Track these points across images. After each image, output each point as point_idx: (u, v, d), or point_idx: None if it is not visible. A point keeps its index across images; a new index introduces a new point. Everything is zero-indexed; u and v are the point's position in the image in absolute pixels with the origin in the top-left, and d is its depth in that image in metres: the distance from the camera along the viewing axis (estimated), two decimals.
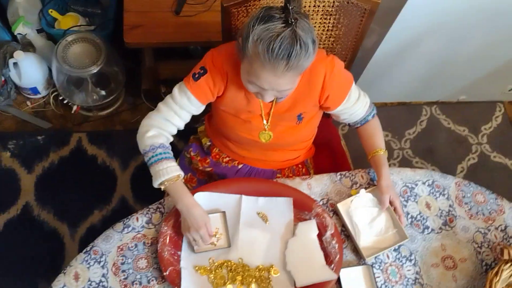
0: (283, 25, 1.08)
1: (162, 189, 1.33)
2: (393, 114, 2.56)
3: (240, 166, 1.57)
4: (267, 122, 1.40)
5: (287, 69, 1.11)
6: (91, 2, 2.43)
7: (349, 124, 1.52)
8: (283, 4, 1.11)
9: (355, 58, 1.62)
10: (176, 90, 1.35)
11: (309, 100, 1.35)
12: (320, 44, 1.55)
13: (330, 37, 1.52)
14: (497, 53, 2.25)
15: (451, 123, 2.57)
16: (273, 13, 1.09)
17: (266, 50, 1.08)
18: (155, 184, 1.32)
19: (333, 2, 1.40)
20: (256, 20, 1.09)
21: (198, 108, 1.37)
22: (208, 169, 1.59)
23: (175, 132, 1.40)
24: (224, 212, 1.38)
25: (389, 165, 2.33)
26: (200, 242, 1.29)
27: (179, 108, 1.35)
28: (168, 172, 1.30)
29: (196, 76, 1.31)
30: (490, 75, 2.40)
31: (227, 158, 1.58)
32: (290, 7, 1.07)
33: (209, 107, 1.45)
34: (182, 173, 1.33)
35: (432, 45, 2.11)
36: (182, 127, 1.41)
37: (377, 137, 1.48)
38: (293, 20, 1.07)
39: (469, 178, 2.37)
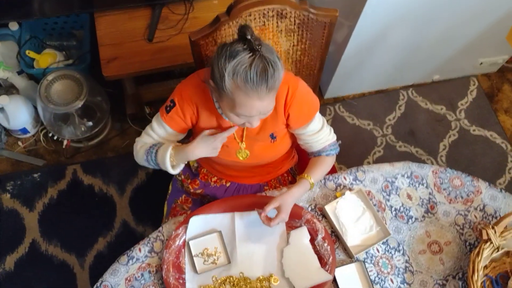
0: (250, 54, 1.17)
1: (175, 169, 1.45)
2: (373, 103, 2.64)
3: (228, 184, 1.66)
4: (242, 143, 1.49)
5: (268, 91, 1.21)
6: (65, 36, 2.49)
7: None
8: (237, 37, 1.20)
9: (324, 64, 1.70)
10: (154, 120, 1.47)
11: (276, 120, 1.43)
12: (288, 58, 1.63)
13: (296, 51, 1.60)
14: (464, 31, 2.33)
15: (428, 104, 2.66)
16: (236, 48, 1.18)
17: (245, 81, 1.17)
18: (171, 171, 1.44)
19: (294, 20, 1.47)
20: (224, 60, 1.18)
21: (177, 136, 1.49)
22: (199, 191, 1.68)
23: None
24: (220, 232, 1.47)
25: (374, 153, 2.45)
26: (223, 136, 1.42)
27: (158, 137, 1.47)
28: (164, 155, 1.41)
29: (168, 109, 1.43)
30: (460, 52, 2.48)
31: (215, 178, 1.67)
32: (248, 37, 1.17)
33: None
34: (172, 144, 1.43)
35: (401, 32, 2.19)
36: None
37: (318, 169, 1.51)
38: (257, 47, 1.17)
39: (451, 154, 2.50)
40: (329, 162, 1.55)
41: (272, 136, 1.48)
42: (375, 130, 2.57)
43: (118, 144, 2.45)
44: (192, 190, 1.69)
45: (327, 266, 1.41)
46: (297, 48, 1.59)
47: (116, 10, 2.11)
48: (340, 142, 1.55)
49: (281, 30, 1.51)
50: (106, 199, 2.33)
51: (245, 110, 1.25)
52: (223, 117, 1.39)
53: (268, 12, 1.44)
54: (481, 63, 2.65)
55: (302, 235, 1.47)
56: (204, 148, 1.41)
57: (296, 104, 1.40)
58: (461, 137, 2.57)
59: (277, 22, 1.48)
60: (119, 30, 2.07)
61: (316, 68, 1.68)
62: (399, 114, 2.62)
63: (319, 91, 2.63)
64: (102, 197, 2.33)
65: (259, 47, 1.17)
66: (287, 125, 1.47)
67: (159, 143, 1.46)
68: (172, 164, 1.43)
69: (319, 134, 1.48)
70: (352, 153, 2.51)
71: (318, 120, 1.47)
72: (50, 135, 2.37)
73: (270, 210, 1.42)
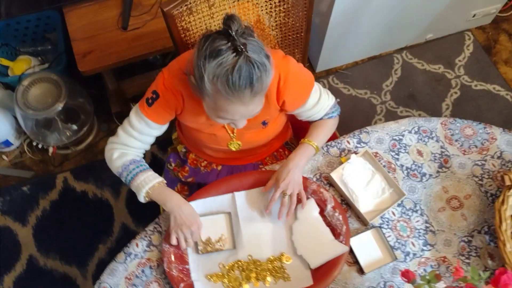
0: (234, 54, 1.01)
1: (146, 200, 1.33)
2: (367, 70, 2.53)
3: (219, 167, 1.54)
4: (233, 133, 1.37)
5: (253, 95, 1.06)
6: (39, 41, 2.37)
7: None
8: (222, 28, 1.05)
9: (310, 26, 1.58)
10: (133, 115, 1.30)
11: (268, 108, 1.29)
12: (271, 21, 1.51)
13: (280, 13, 1.49)
14: None
15: (425, 64, 2.54)
16: (218, 45, 1.02)
17: (226, 85, 1.03)
18: (140, 199, 1.32)
19: None
20: (204, 59, 1.03)
21: (159, 129, 1.33)
22: (189, 179, 1.56)
23: (141, 152, 1.37)
24: (229, 213, 1.36)
25: (374, 122, 2.34)
26: (190, 240, 1.29)
27: (138, 134, 1.31)
28: (147, 182, 1.29)
29: (150, 101, 1.26)
30: (451, 6, 2.37)
31: (205, 162, 1.55)
32: (233, 33, 1.01)
33: None
34: (161, 179, 1.32)
35: None
36: (147, 148, 1.38)
37: (320, 131, 1.41)
38: (242, 47, 1.01)
39: (456, 113, 2.38)
40: (331, 124, 1.44)
41: (264, 123, 1.36)
42: (373, 98, 2.46)
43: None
44: (183, 179, 1.58)
45: (341, 237, 1.30)
46: (279, 9, 1.47)
47: (85, 2, 1.99)
48: (338, 100, 1.43)
49: None
50: (102, 203, 2.21)
51: (226, 114, 1.12)
52: None
53: None
54: (474, 15, 2.53)
55: (310, 208, 1.35)
56: (180, 215, 1.27)
57: (290, 88, 1.26)
58: (463, 94, 2.46)
59: None
60: (91, 23, 1.96)
61: (303, 29, 1.57)
62: (396, 79, 2.51)
63: (310, 64, 2.51)
64: (97, 202, 2.22)
65: (244, 46, 1.02)
66: (282, 109, 1.34)
67: (141, 162, 1.33)
68: (148, 193, 1.31)
69: (318, 104, 1.36)
70: (352, 125, 2.37)
71: (315, 92, 1.34)
72: (35, 144, 2.26)
73: (271, 186, 1.33)
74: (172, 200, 1.29)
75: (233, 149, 1.41)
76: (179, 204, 1.28)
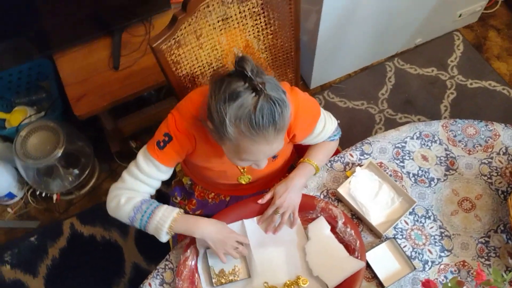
0: (253, 94, 1.00)
1: (168, 238, 1.26)
2: (361, 82, 2.53)
3: (227, 198, 1.52)
4: (243, 169, 1.35)
5: (277, 132, 1.05)
6: (33, 90, 2.38)
7: None
8: (234, 68, 1.03)
9: (299, 45, 1.58)
10: (141, 158, 1.24)
11: None
12: (260, 44, 1.52)
13: (267, 35, 1.49)
14: None
15: (418, 69, 2.54)
16: (236, 87, 1.01)
17: (250, 126, 1.01)
18: (162, 238, 1.25)
19: (256, 1, 1.36)
20: (224, 103, 1.01)
21: (167, 173, 1.28)
22: (197, 212, 1.54)
23: (147, 196, 1.30)
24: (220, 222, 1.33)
25: (375, 131, 2.33)
26: (240, 250, 1.26)
27: (146, 178, 1.25)
28: (166, 216, 1.23)
29: (162, 144, 1.21)
30: (436, 9, 2.38)
31: (213, 194, 1.53)
32: (249, 73, 1.00)
33: None
34: (178, 209, 1.26)
35: (368, 2, 2.09)
36: (153, 192, 1.31)
37: (320, 152, 1.39)
38: (260, 86, 1.00)
39: (454, 113, 2.37)
40: (331, 146, 1.43)
41: (274, 156, 1.34)
42: (371, 108, 2.45)
43: (110, 186, 2.31)
44: (190, 212, 1.56)
45: (356, 253, 1.27)
46: (267, 32, 1.48)
47: (75, 46, 2.00)
48: (339, 121, 1.42)
49: (245, 15, 1.40)
50: (111, 245, 2.18)
51: (251, 156, 1.10)
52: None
53: None
54: (460, 15, 2.55)
55: (321, 227, 1.33)
56: (214, 234, 1.23)
57: (300, 122, 1.25)
58: (459, 93, 2.45)
59: (238, 8, 1.37)
60: (82, 66, 1.97)
61: (293, 49, 1.57)
62: (391, 86, 2.50)
63: (304, 82, 2.51)
64: (106, 245, 2.19)
65: (263, 85, 1.00)
66: (291, 141, 1.34)
67: (152, 201, 1.26)
68: (171, 229, 1.23)
69: (324, 131, 1.35)
70: (353, 137, 2.35)
71: (321, 120, 1.33)
72: (38, 193, 2.24)
73: (267, 199, 1.33)
74: (198, 226, 1.24)
75: (243, 182, 1.40)
76: (207, 226, 1.24)
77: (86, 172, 2.22)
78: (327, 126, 1.35)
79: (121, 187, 1.27)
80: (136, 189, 1.27)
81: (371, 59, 2.57)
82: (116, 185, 1.29)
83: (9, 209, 2.28)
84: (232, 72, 1.05)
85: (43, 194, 2.23)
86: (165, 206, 1.26)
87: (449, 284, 0.96)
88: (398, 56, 2.59)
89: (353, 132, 2.38)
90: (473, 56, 2.57)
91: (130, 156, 2.32)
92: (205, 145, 1.23)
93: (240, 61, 1.03)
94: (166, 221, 1.22)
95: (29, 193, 2.28)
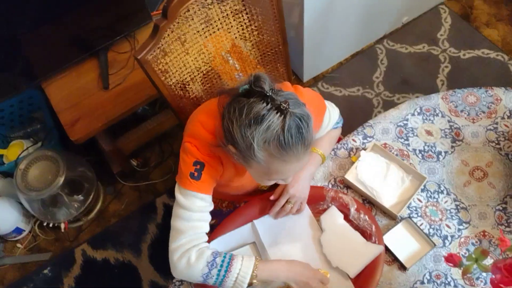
0: (279, 114, 0.97)
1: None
2: (353, 68, 2.50)
3: (242, 204, 1.49)
4: None
5: (306, 148, 1.03)
6: (27, 122, 2.37)
7: None
8: (250, 89, 1.00)
9: (286, 37, 1.56)
10: (182, 199, 1.15)
11: None
12: (247, 42, 1.49)
13: (253, 32, 1.47)
14: None
15: (409, 47, 2.52)
16: (259, 110, 0.97)
17: (280, 148, 0.98)
18: None
19: None
20: (249, 127, 0.98)
21: (211, 201, 1.20)
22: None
23: (206, 237, 1.21)
24: (253, 243, 1.30)
25: (374, 115, 2.30)
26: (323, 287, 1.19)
27: (199, 214, 1.17)
28: (247, 268, 1.13)
29: (196, 174, 1.13)
30: None
31: (226, 202, 1.50)
32: (269, 93, 0.97)
33: None
34: (255, 257, 1.17)
35: None
36: (208, 229, 1.21)
37: (324, 141, 1.37)
38: (284, 105, 0.97)
39: (452, 86, 2.35)
40: (335, 133, 1.41)
41: None
42: (367, 93, 2.42)
43: (117, 208, 2.29)
44: None
45: (373, 238, 1.24)
46: (252, 28, 1.45)
47: (62, 72, 1.98)
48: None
49: (227, 15, 1.38)
50: (126, 266, 2.15)
51: (281, 176, 1.09)
52: None
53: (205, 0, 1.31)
54: None
55: (334, 216, 1.30)
56: (299, 277, 1.16)
57: None
58: (454, 66, 2.42)
59: (220, 8, 1.35)
60: (72, 91, 1.95)
61: (280, 42, 1.54)
62: (384, 69, 2.48)
63: (296, 76, 2.49)
64: (121, 266, 2.16)
65: (287, 104, 0.97)
66: None
67: (221, 253, 1.16)
68: (254, 278, 1.14)
69: (330, 123, 1.34)
70: (354, 124, 2.27)
71: (326, 116, 1.31)
72: (45, 224, 2.21)
73: (279, 193, 1.30)
74: (282, 270, 1.17)
75: (265, 188, 1.39)
76: (291, 269, 1.17)
77: (91, 197, 2.20)
78: (332, 116, 1.33)
79: (182, 242, 1.15)
80: (196, 233, 1.17)
81: (361, 44, 2.54)
82: (175, 244, 1.16)
83: (18, 245, 2.25)
84: (247, 91, 1.02)
85: (51, 225, 2.21)
86: (239, 256, 1.16)
87: (473, 255, 0.93)
88: (387, 37, 2.56)
89: (353, 119, 2.33)
90: (462, 26, 2.54)
91: (132, 175, 2.33)
92: (231, 166, 1.20)
93: (257, 81, 1.00)
94: (247, 272, 1.13)
95: (36, 225, 2.26)
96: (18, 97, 2.25)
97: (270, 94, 0.97)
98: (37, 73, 1.96)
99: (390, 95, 2.39)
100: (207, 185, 1.16)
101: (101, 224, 2.27)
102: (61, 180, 2.00)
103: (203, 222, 1.18)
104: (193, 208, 1.15)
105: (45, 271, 2.18)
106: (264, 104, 0.97)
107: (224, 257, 1.14)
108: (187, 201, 1.14)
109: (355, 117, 2.35)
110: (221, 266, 1.13)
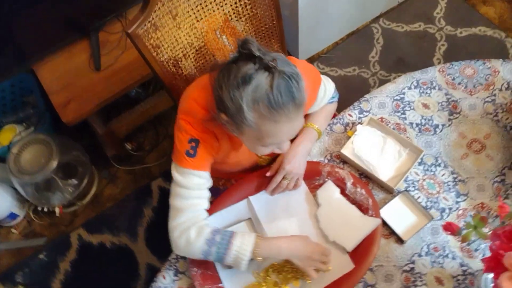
0: (267, 73, 0.96)
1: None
2: (349, 48, 2.48)
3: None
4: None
5: (297, 108, 1.00)
6: (19, 107, 2.33)
7: None
8: (239, 54, 0.98)
9: (280, 12, 1.53)
10: (179, 177, 1.14)
11: None
12: (240, 17, 1.46)
13: (246, 6, 1.43)
14: None
15: (405, 26, 2.49)
16: (247, 70, 0.96)
17: (270, 107, 0.96)
18: (242, 267, 1.13)
19: None
20: (237, 88, 0.96)
21: (209, 178, 1.19)
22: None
23: (206, 213, 1.20)
24: (249, 219, 1.29)
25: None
26: (325, 259, 1.16)
27: (197, 191, 1.16)
28: (246, 245, 1.12)
29: (191, 152, 1.12)
30: None
31: (223, 180, 1.48)
32: (257, 53, 0.95)
33: None
34: (255, 234, 1.15)
35: None
36: (208, 206, 1.20)
37: (320, 116, 1.35)
38: (272, 63, 0.95)
39: None
40: (330, 108, 1.39)
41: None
42: (363, 72, 2.40)
43: (112, 192, 2.27)
44: None
45: (370, 211, 1.23)
46: (245, 2, 1.42)
47: (53, 54, 1.95)
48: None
49: None
50: (122, 250, 2.14)
51: (274, 139, 1.05)
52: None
53: None
54: None
55: (330, 191, 1.28)
56: (300, 253, 1.14)
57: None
58: (451, 44, 2.40)
59: None
60: (63, 72, 1.92)
61: (274, 17, 1.51)
62: (380, 48, 2.45)
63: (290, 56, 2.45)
64: (117, 250, 2.14)
65: (275, 62, 0.95)
66: None
67: (221, 230, 1.15)
68: (256, 254, 1.12)
69: (325, 96, 1.32)
70: (349, 105, 2.32)
71: (321, 89, 1.29)
72: (40, 209, 2.19)
73: (275, 170, 1.28)
74: (281, 246, 1.14)
75: (264, 163, 1.37)
76: (289, 245, 1.15)
77: (85, 181, 2.18)
78: (327, 89, 1.31)
79: (182, 220, 1.15)
80: (195, 211, 1.16)
81: (356, 23, 2.51)
82: (174, 222, 1.16)
83: (13, 230, 2.23)
84: (236, 57, 1.00)
85: (45, 210, 2.19)
86: (239, 233, 1.15)
87: (472, 223, 0.91)
88: (383, 16, 2.53)
89: (349, 99, 2.29)
90: (459, 4, 2.51)
91: (127, 159, 2.31)
92: (227, 141, 1.18)
93: (244, 44, 0.97)
94: (247, 249, 1.11)
95: (31, 210, 2.24)
96: (9, 81, 2.21)
97: (258, 54, 0.95)
98: (27, 55, 1.93)
99: (386, 74, 2.37)
100: (204, 162, 1.15)
101: (96, 209, 2.25)
102: (54, 163, 1.98)
103: (202, 199, 1.18)
104: (191, 186, 1.14)
105: (41, 256, 2.16)
106: (252, 65, 0.96)
107: (224, 234, 1.13)
108: (184, 179, 1.14)
109: (351, 97, 2.29)
110: (220, 244, 1.12)
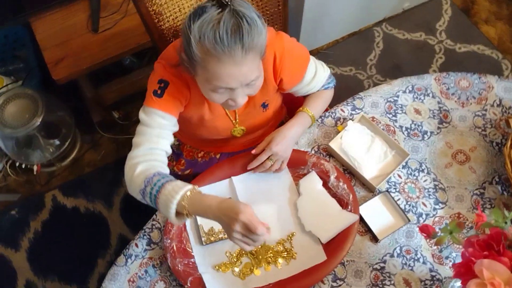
0: (219, 9, 0.95)
1: (181, 220, 1.05)
2: (349, 47, 2.48)
3: (218, 156, 1.47)
4: (235, 120, 1.29)
5: (245, 52, 0.97)
6: (9, 60, 2.28)
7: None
8: None
9: (287, 2, 1.52)
10: (143, 116, 1.14)
11: (266, 88, 1.22)
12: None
13: None
14: None
15: (406, 34, 2.50)
16: (203, 5, 0.97)
17: (214, 42, 0.94)
18: (172, 218, 1.03)
19: None
20: (190, 21, 0.96)
21: (173, 122, 1.17)
22: (187, 171, 1.48)
23: (165, 158, 1.17)
24: (230, 198, 1.28)
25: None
26: (263, 236, 0.99)
27: (157, 130, 1.14)
28: (176, 192, 1.01)
29: (159, 92, 1.12)
30: None
31: (202, 152, 1.48)
32: None
33: None
34: (192, 186, 1.04)
35: None
36: (169, 149, 1.18)
37: (317, 101, 1.34)
38: (227, 1, 0.95)
39: None
40: (327, 95, 1.38)
41: (264, 105, 1.29)
42: (359, 74, 2.40)
43: (93, 158, 2.25)
44: (179, 173, 1.50)
45: (350, 207, 1.23)
46: None
47: (51, 9, 1.91)
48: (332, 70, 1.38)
49: None
50: (95, 217, 2.12)
51: (220, 81, 1.01)
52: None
53: None
54: None
55: (313, 181, 1.29)
56: (222, 215, 0.98)
57: (286, 65, 1.19)
58: (448, 58, 2.42)
59: None
60: (60, 29, 1.88)
61: (281, 2, 1.51)
62: (379, 52, 2.46)
63: None
64: (90, 217, 2.12)
65: (229, 1, 0.95)
66: (280, 89, 1.28)
67: (166, 175, 1.08)
68: (183, 207, 1.01)
69: (315, 78, 1.31)
70: (344, 94, 2.33)
71: (311, 66, 1.28)
72: (18, 164, 2.16)
73: (261, 149, 1.27)
74: (210, 206, 1.00)
75: (238, 135, 1.35)
76: (218, 206, 0.99)
77: (67, 143, 2.15)
78: (319, 73, 1.30)
79: (135, 154, 1.13)
80: (152, 149, 1.13)
81: (359, 24, 2.51)
82: (129, 154, 1.14)
83: None
84: None
85: (23, 166, 2.15)
86: (179, 181, 1.06)
87: (449, 227, 0.92)
88: (386, 21, 2.53)
89: (342, 99, 2.32)
90: (461, 20, 2.53)
91: (113, 127, 2.28)
92: (199, 94, 1.15)
93: None
94: (175, 196, 1.01)
95: (8, 165, 2.20)
96: (3, 31, 2.16)
97: None
98: (26, 5, 1.88)
99: (381, 78, 2.38)
100: (170, 104, 1.14)
101: (75, 172, 2.22)
102: (38, 120, 1.95)
103: (162, 139, 1.15)
104: (152, 124, 1.13)
105: (13, 212, 2.13)
106: (211, 2, 0.97)
107: (163, 177, 1.06)
108: (147, 117, 1.14)
109: (343, 96, 2.29)
110: (155, 185, 1.05)
